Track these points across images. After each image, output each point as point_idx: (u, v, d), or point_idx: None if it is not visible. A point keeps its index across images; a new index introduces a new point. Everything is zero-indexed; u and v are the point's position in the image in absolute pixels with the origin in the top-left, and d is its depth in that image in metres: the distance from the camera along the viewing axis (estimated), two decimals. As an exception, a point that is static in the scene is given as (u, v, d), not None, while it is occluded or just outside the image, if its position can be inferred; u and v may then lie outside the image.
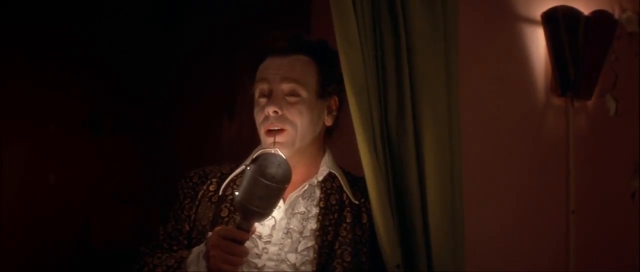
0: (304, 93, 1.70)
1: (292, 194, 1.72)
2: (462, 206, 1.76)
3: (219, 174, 1.80)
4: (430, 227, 1.71)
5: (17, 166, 3.77)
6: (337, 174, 1.77)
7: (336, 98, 1.79)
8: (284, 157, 1.58)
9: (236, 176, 1.77)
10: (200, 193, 1.77)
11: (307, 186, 1.74)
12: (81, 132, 4.03)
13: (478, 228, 2.04)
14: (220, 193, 1.76)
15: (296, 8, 2.80)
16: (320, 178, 1.75)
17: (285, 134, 1.68)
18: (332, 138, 1.84)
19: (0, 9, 3.67)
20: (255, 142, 1.79)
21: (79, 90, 4.00)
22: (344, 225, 1.72)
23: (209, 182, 1.79)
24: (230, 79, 3.63)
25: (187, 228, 1.75)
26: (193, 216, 1.75)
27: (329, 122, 1.79)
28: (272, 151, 1.60)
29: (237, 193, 1.56)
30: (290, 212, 1.71)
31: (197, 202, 1.76)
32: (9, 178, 3.72)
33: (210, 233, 1.62)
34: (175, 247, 1.75)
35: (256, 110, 1.73)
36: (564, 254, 2.58)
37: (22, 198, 3.77)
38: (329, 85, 1.74)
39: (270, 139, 1.68)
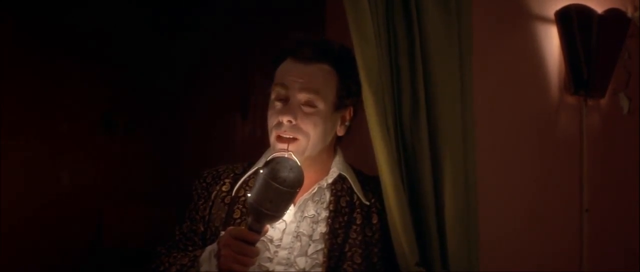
0: (321, 105, 1.68)
1: (301, 198, 1.71)
2: (477, 204, 1.76)
3: (232, 175, 1.80)
4: (445, 227, 1.71)
5: (30, 166, 3.78)
6: (347, 176, 1.77)
7: (351, 109, 1.78)
8: (297, 161, 1.57)
9: (249, 177, 1.77)
10: (214, 193, 1.78)
11: (316, 189, 1.73)
12: (95, 131, 4.04)
13: (491, 227, 2.04)
14: (233, 194, 1.76)
15: (311, 8, 2.80)
16: (330, 180, 1.75)
17: (296, 143, 1.67)
18: (341, 143, 1.83)
19: (16, 11, 3.69)
20: (268, 142, 1.79)
21: (92, 90, 4.01)
22: (354, 227, 1.72)
23: (222, 182, 1.79)
24: (244, 78, 3.64)
25: (202, 229, 1.76)
26: (207, 216, 1.76)
27: (341, 132, 1.78)
28: (285, 155, 1.59)
29: (249, 195, 1.56)
30: (300, 216, 1.71)
31: (210, 203, 1.77)
32: (22, 177, 3.73)
33: (222, 233, 1.63)
34: (190, 248, 1.75)
35: (270, 112, 1.72)
36: (578, 252, 2.57)
37: (35, 198, 3.78)
38: (347, 97, 1.73)
39: (281, 146, 1.67)
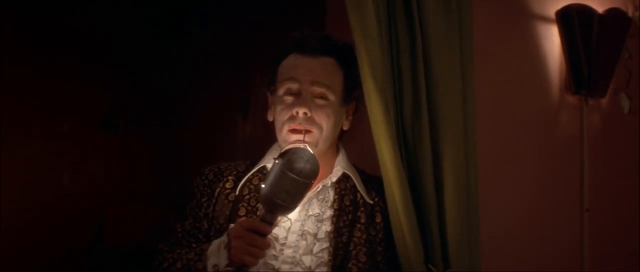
0: (332, 97, 1.70)
1: (306, 196, 1.71)
2: (478, 204, 1.76)
3: (234, 172, 1.79)
4: (446, 227, 1.71)
5: (31, 165, 3.78)
6: (350, 175, 1.77)
7: (354, 104, 1.79)
8: (312, 153, 1.57)
9: (253, 174, 1.77)
10: (217, 191, 1.77)
11: (320, 187, 1.73)
12: (96, 130, 4.05)
13: (492, 227, 2.04)
14: (237, 192, 1.75)
15: (311, 7, 2.80)
16: (334, 179, 1.75)
17: (311, 135, 1.68)
18: (343, 140, 1.83)
19: (16, 11, 3.69)
20: (269, 140, 1.79)
21: (93, 90, 4.02)
22: (358, 226, 1.72)
23: (225, 179, 1.78)
24: (244, 78, 3.64)
25: (206, 226, 1.75)
26: (211, 214, 1.75)
27: (346, 126, 1.80)
28: (301, 146, 1.59)
29: (263, 186, 1.55)
30: (305, 214, 1.71)
31: (214, 200, 1.76)
32: (24, 177, 3.74)
33: (232, 226, 1.62)
34: (193, 245, 1.74)
35: (280, 107, 1.71)
36: (578, 252, 2.57)
37: (36, 197, 3.78)
38: (353, 90, 1.74)
39: (295, 137, 1.67)
